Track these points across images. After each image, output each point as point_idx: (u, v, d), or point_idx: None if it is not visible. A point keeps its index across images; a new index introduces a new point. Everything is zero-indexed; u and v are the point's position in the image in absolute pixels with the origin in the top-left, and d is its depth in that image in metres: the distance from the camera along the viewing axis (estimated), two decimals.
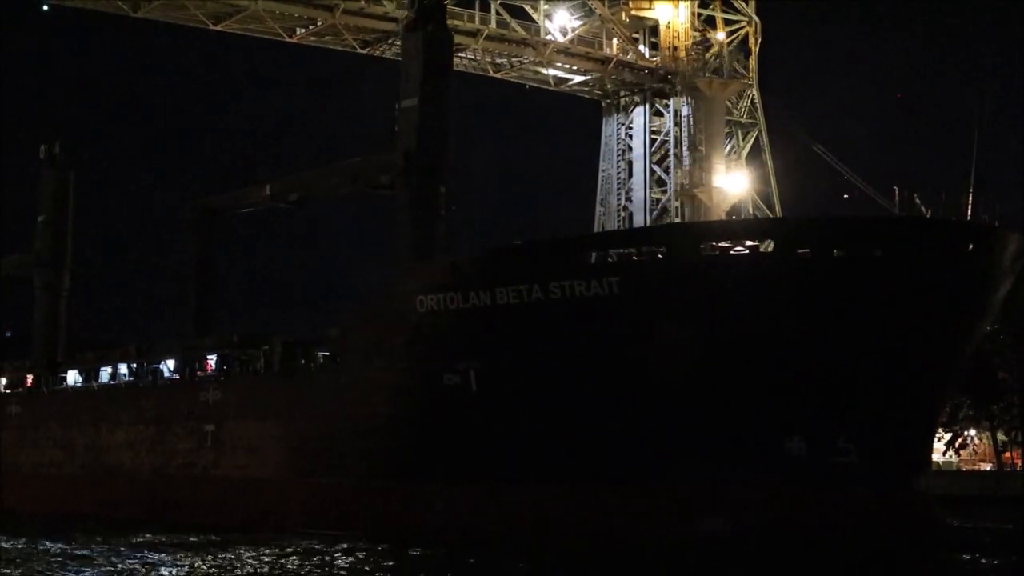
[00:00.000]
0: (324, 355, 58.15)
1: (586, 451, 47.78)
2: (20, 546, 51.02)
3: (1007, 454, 79.02)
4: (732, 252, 45.35)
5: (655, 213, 74.70)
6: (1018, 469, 76.62)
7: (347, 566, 43.38)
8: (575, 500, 47.83)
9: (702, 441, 46.14)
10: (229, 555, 47.07)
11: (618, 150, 77.35)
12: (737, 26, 76.27)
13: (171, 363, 66.70)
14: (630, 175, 76.48)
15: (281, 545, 49.16)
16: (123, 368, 70.10)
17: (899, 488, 46.31)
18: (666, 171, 74.48)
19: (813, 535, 44.75)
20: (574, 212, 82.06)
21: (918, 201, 47.73)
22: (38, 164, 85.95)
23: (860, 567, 42.90)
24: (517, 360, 48.49)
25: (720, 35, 73.45)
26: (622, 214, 76.11)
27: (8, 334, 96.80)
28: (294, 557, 45.95)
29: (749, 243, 45.43)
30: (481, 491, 49.38)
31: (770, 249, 45.16)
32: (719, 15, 75.96)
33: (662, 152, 75.46)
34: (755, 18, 76.20)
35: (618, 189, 76.83)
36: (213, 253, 74.01)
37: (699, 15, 75.19)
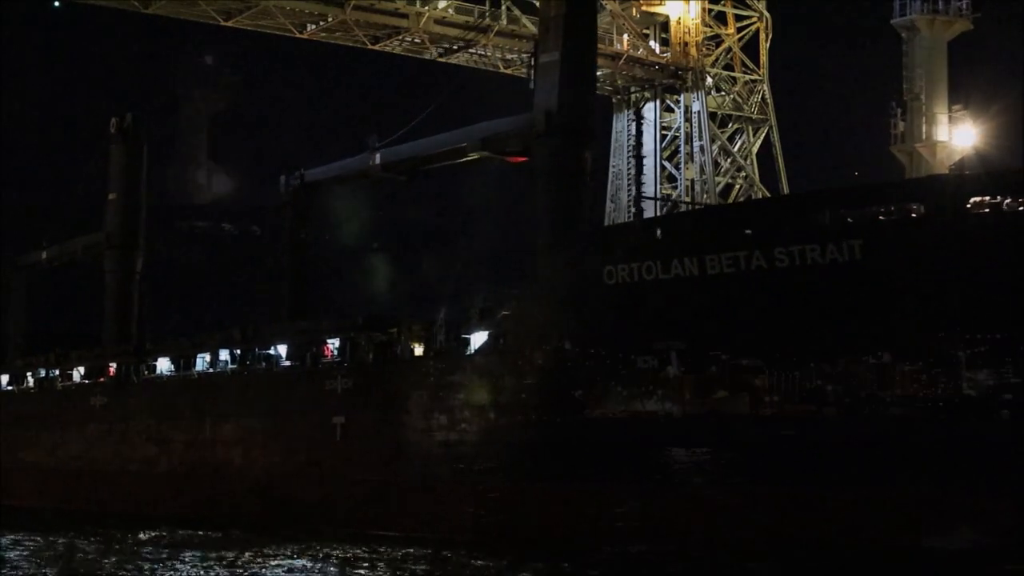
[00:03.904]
0: (465, 337, 51.38)
1: (801, 448, 41.05)
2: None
3: None
4: (1006, 209, 38.46)
5: (665, 208, 73.70)
6: None
7: None
8: (783, 505, 41.08)
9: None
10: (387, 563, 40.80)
11: (628, 146, 77.07)
12: (748, 22, 75.93)
13: (283, 349, 59.81)
14: (640, 171, 76.44)
15: (441, 554, 43.35)
16: (224, 355, 63.14)
17: None
18: (676, 167, 74.56)
19: None
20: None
21: None
22: (107, 140, 79.74)
23: None
24: (730, 339, 41.92)
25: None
26: (632, 209, 75.92)
27: None
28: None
29: None
30: (677, 494, 42.79)
31: None
32: (730, 11, 75.95)
33: (672, 148, 75.33)
34: (766, 14, 75.83)
35: (628, 185, 76.65)
36: (310, 232, 67.72)
37: (710, 11, 75.31)
